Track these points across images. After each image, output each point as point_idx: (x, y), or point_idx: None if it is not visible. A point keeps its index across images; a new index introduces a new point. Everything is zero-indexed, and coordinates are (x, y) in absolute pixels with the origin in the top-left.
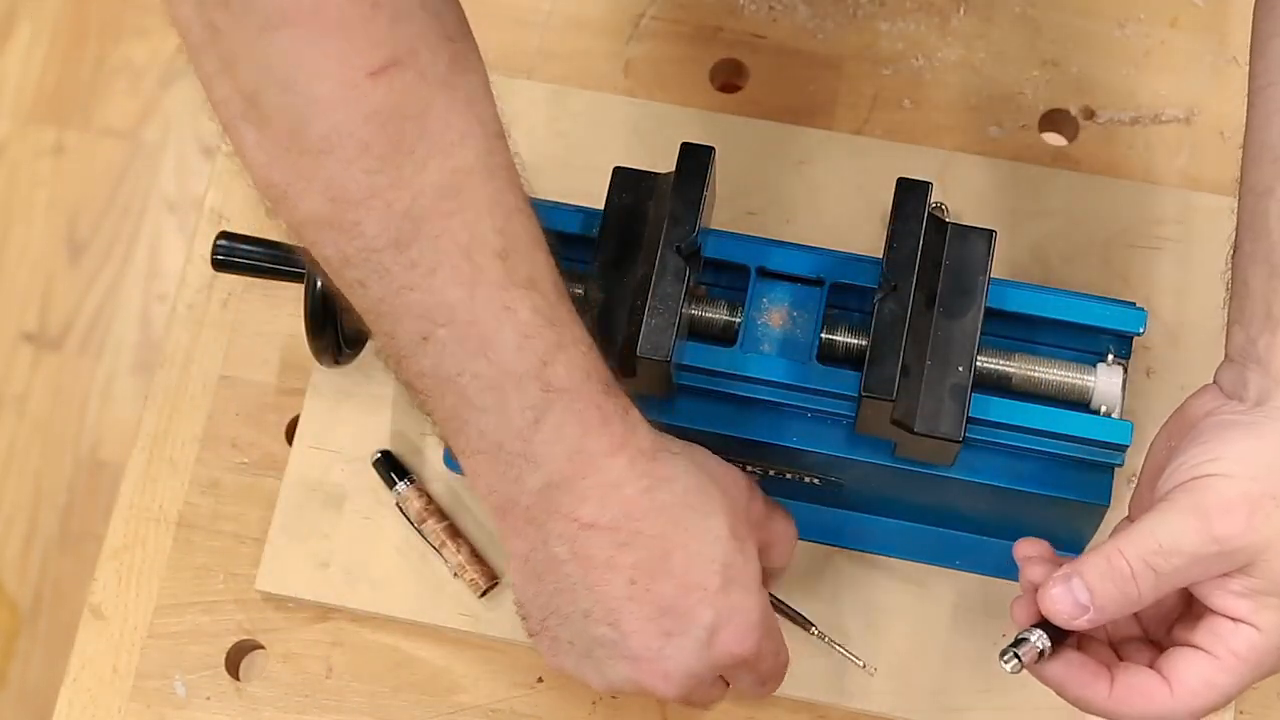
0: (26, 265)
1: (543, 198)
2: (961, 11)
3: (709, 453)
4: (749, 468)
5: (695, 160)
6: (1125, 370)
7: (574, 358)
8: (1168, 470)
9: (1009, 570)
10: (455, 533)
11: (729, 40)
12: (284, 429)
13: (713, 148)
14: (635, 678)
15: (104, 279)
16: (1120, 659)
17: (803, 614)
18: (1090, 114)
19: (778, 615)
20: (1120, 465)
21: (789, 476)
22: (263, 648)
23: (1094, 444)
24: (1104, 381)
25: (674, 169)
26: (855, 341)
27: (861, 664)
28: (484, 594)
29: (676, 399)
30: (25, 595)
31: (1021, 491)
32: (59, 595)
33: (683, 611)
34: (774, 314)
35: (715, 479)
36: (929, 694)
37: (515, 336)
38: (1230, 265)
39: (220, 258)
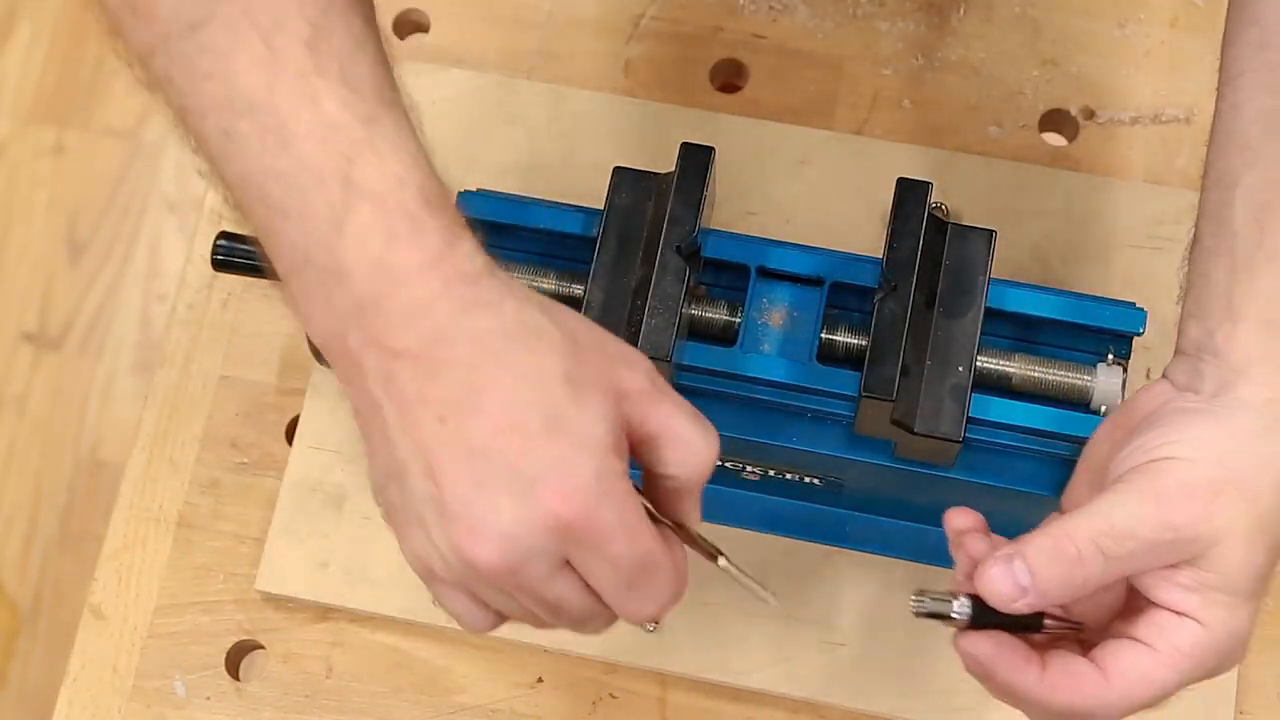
0: (26, 265)
1: (543, 198)
2: (961, 11)
3: (581, 317)
4: (749, 468)
5: (695, 160)
6: (1125, 370)
7: (387, 161)
8: (1122, 454)
9: None
10: None
11: (729, 40)
12: (284, 429)
13: (713, 148)
14: (454, 542)
15: (104, 279)
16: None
17: (710, 542)
18: (1090, 114)
19: (685, 546)
20: None
21: (789, 476)
22: (263, 648)
23: None
24: (1104, 381)
25: (674, 169)
26: (855, 341)
27: (768, 597)
28: None
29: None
30: (25, 595)
31: (1021, 491)
32: (59, 595)
33: (496, 455)
34: (774, 314)
35: (561, 324)
36: (930, 694)
37: (318, 129)
38: (1187, 259)
39: (220, 258)
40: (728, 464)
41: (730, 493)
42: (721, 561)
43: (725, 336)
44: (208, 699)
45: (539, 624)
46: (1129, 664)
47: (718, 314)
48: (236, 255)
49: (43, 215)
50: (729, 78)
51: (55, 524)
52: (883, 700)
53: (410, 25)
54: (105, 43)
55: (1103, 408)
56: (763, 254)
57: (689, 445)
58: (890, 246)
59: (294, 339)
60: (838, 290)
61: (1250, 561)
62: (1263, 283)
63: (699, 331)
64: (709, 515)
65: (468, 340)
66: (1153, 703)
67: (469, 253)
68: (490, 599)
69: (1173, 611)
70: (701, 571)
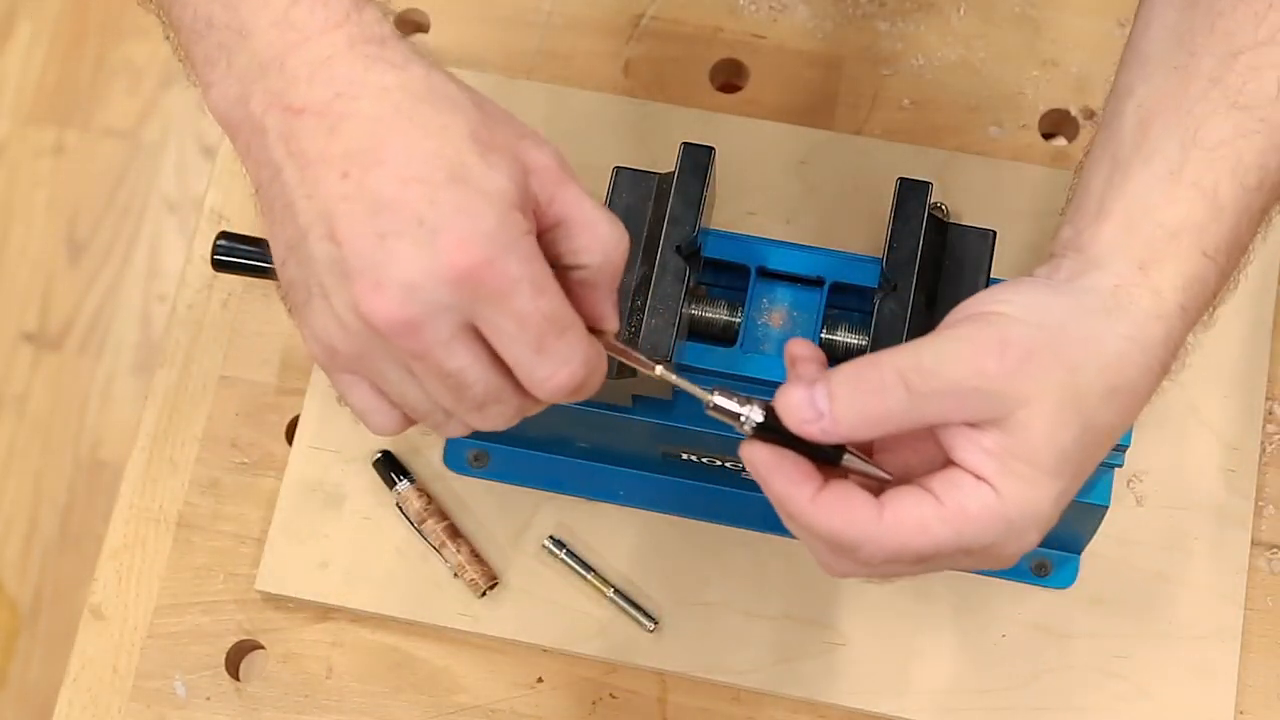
0: (26, 265)
1: None
2: (961, 11)
3: (490, 99)
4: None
5: (695, 160)
6: None
7: None
8: (957, 308)
9: (1008, 570)
10: (455, 533)
11: (729, 40)
12: (284, 429)
13: (713, 148)
14: (354, 300)
15: (104, 279)
16: None
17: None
18: (1090, 114)
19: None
20: (1120, 465)
21: None
22: (263, 648)
23: None
24: None
25: (674, 169)
26: (855, 341)
27: (708, 397)
28: (484, 594)
29: (677, 399)
30: (25, 595)
31: None
32: (59, 595)
33: (398, 205)
34: (774, 314)
35: (469, 92)
36: (929, 694)
37: None
38: (1076, 170)
39: (220, 258)
40: (728, 464)
41: (730, 493)
42: (659, 369)
43: (725, 336)
44: (208, 699)
45: (442, 423)
46: (909, 509)
47: (718, 314)
48: (236, 255)
49: (43, 215)
50: (729, 78)
51: (55, 524)
52: (883, 700)
53: (410, 25)
54: (104, 44)
55: None
56: (763, 254)
57: (596, 230)
58: (890, 246)
59: (294, 339)
60: (838, 290)
61: (1056, 434)
62: (1133, 183)
63: (699, 331)
64: (709, 515)
65: (371, 95)
66: (924, 558)
67: (375, 15)
68: (393, 385)
69: (971, 474)
70: (701, 571)
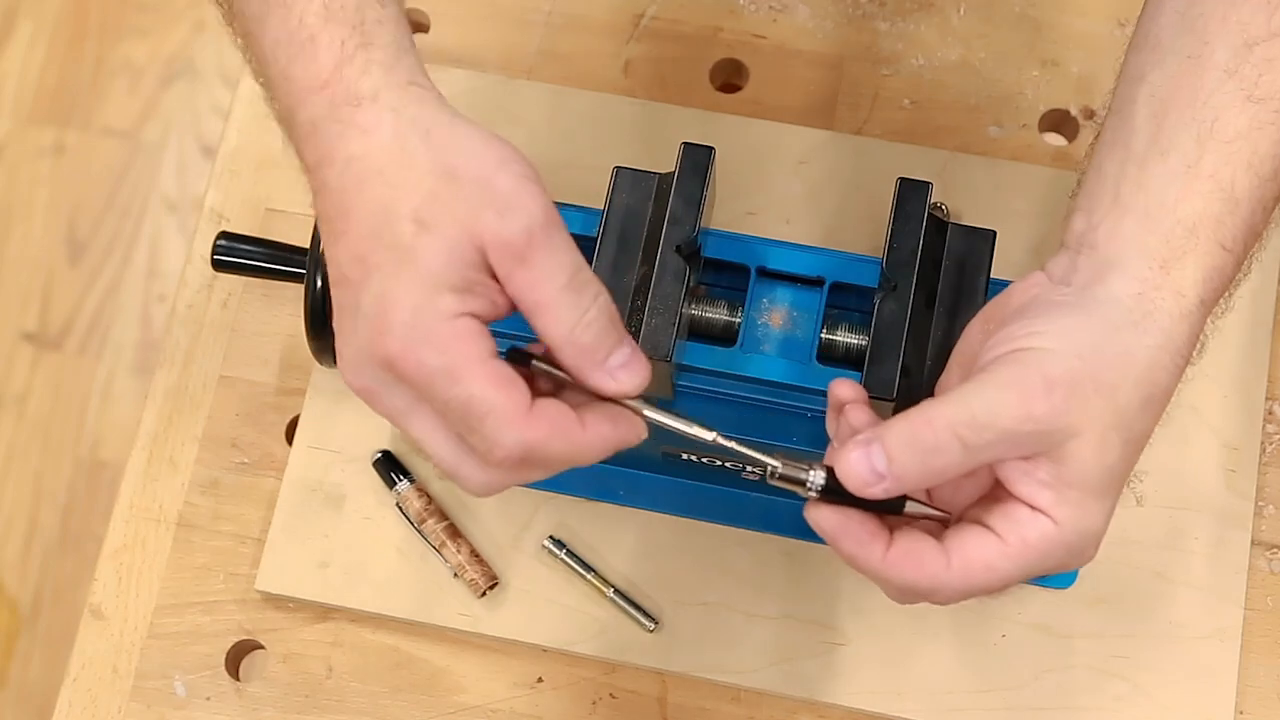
0: (26, 265)
1: None
2: (961, 11)
3: (488, 150)
4: (749, 468)
5: (695, 160)
6: None
7: None
8: (990, 343)
9: None
10: (455, 533)
11: (729, 40)
12: (284, 429)
13: (713, 148)
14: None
15: (104, 279)
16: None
17: (639, 399)
18: (1090, 114)
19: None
20: None
21: None
22: (263, 648)
23: None
24: None
25: (674, 169)
26: (855, 341)
27: (701, 432)
28: (484, 594)
29: (677, 399)
30: (25, 595)
31: None
32: (59, 595)
33: (347, 283)
34: (774, 314)
35: (439, 153)
36: (929, 694)
37: None
38: (1087, 155)
39: (220, 258)
40: (728, 464)
41: (730, 493)
42: (647, 411)
43: (725, 336)
44: (208, 699)
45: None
46: (974, 551)
47: (718, 314)
48: (236, 255)
49: (43, 215)
50: (729, 78)
51: (55, 524)
52: (883, 700)
53: (410, 25)
54: (104, 44)
55: None
56: (763, 254)
57: (553, 313)
58: (890, 246)
59: (294, 339)
60: (838, 290)
61: (1104, 458)
62: (1151, 176)
63: (699, 331)
64: (709, 515)
65: (339, 165)
66: (989, 591)
67: (360, 69)
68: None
69: (1028, 505)
70: (701, 571)
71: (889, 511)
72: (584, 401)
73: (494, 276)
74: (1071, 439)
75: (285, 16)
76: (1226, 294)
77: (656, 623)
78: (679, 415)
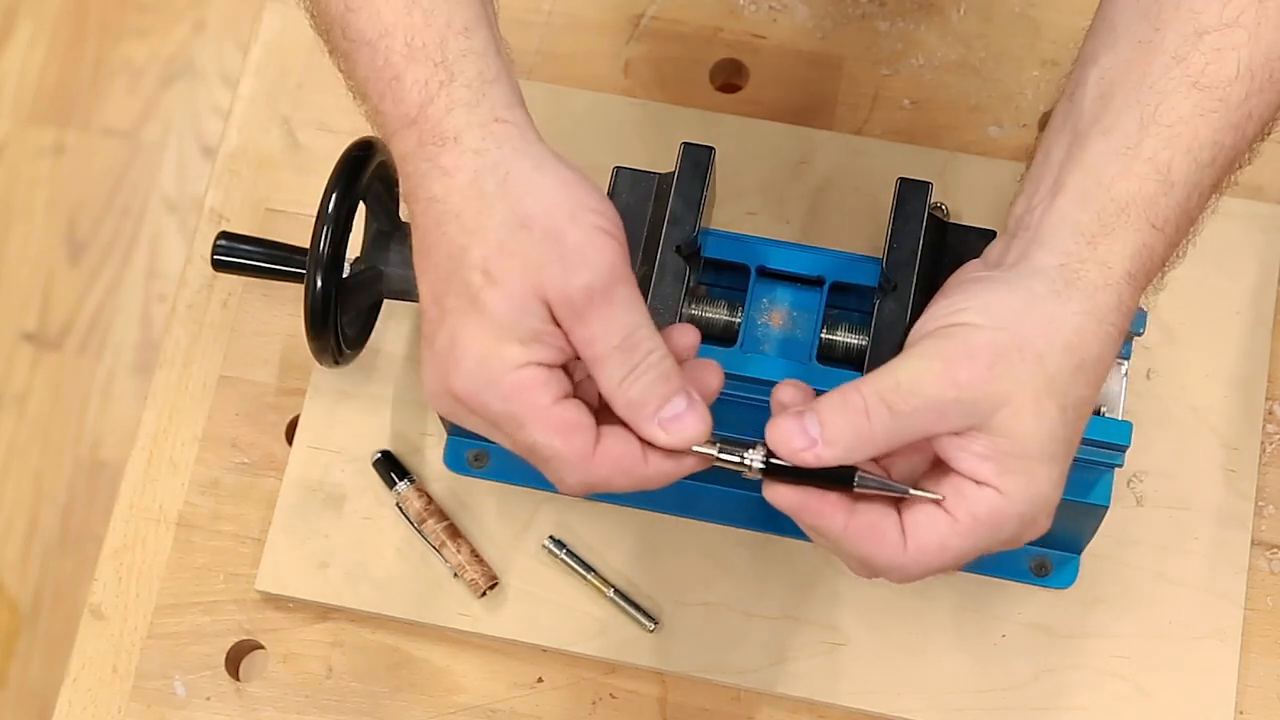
0: (26, 265)
1: None
2: (961, 11)
3: (564, 196)
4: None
5: (695, 160)
6: (1125, 370)
7: (379, 10)
8: (916, 326)
9: (1008, 570)
10: (455, 533)
11: (729, 40)
12: (284, 429)
13: (713, 148)
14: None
15: (104, 279)
16: None
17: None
18: None
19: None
20: (1120, 465)
21: None
22: (263, 648)
23: (1093, 444)
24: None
25: (674, 169)
26: (855, 341)
27: (751, 459)
28: (484, 594)
29: None
30: (25, 595)
31: None
32: (59, 595)
33: (427, 319)
34: (774, 314)
35: (517, 202)
36: (929, 694)
37: None
38: (1038, 139)
39: (220, 258)
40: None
41: (730, 493)
42: (696, 448)
43: (725, 336)
44: (208, 699)
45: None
46: (929, 532)
47: (718, 314)
48: (236, 255)
49: (43, 215)
50: (729, 78)
51: (55, 524)
52: (883, 700)
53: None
54: (104, 44)
55: (1103, 408)
56: (763, 254)
57: (604, 371)
58: (890, 246)
59: (294, 339)
60: (838, 290)
61: (1040, 423)
62: (1090, 155)
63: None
64: (709, 515)
65: (424, 204)
66: (948, 569)
67: (444, 108)
68: None
69: (970, 480)
70: (701, 571)
71: (841, 485)
72: None
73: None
74: (1002, 408)
75: (371, 55)
76: (1160, 274)
77: (656, 623)
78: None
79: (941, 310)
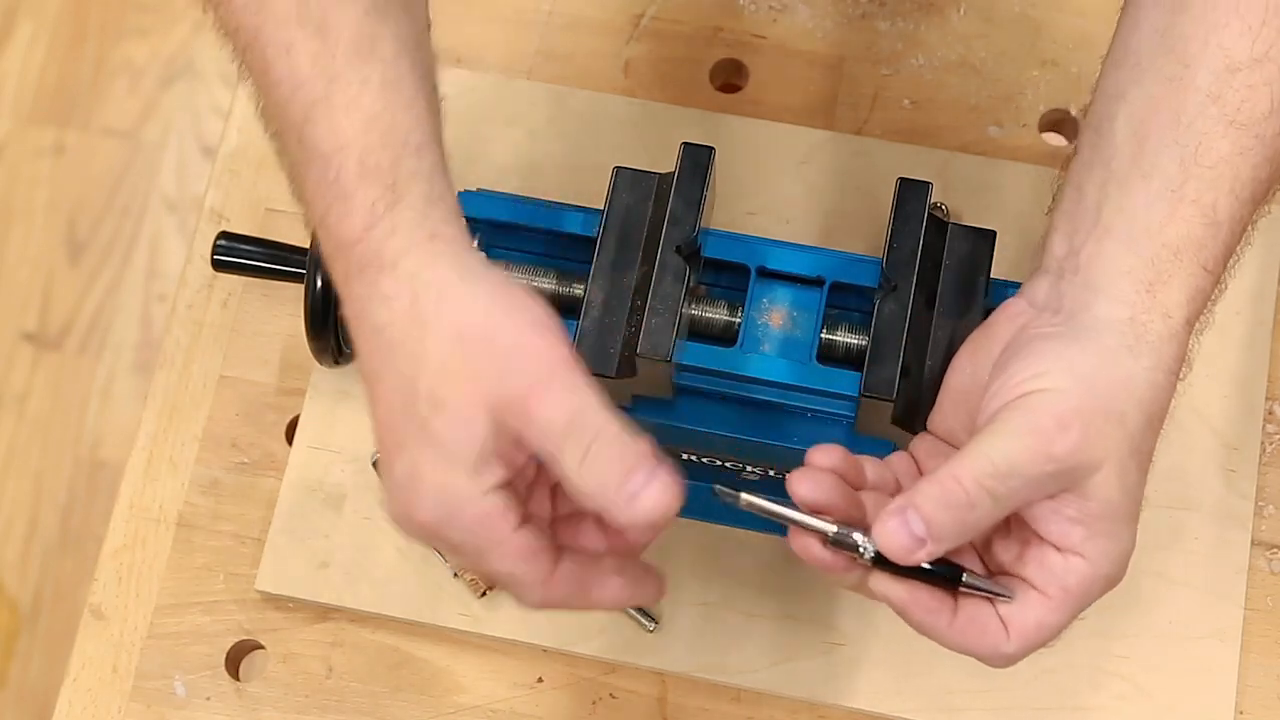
0: (26, 265)
1: (543, 198)
2: (961, 11)
3: (496, 304)
4: (750, 468)
5: (695, 160)
6: None
7: (337, 122)
8: (992, 388)
9: None
10: None
11: (729, 40)
12: (284, 429)
13: (713, 148)
14: None
15: (104, 279)
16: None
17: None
18: None
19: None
20: None
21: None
22: (263, 648)
23: None
24: None
25: (674, 169)
26: (855, 341)
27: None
28: (484, 594)
29: (677, 399)
30: (25, 595)
31: None
32: (59, 595)
33: (384, 447)
34: (774, 314)
35: (447, 321)
36: (929, 694)
37: (288, 81)
38: (1063, 171)
39: (220, 258)
40: (728, 464)
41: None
42: (745, 496)
43: (725, 336)
44: (208, 699)
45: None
46: (1024, 615)
47: (718, 314)
48: (236, 255)
49: (43, 215)
50: (729, 78)
51: (55, 524)
52: (883, 700)
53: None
54: (104, 44)
55: None
56: (763, 254)
57: (556, 466)
58: (890, 246)
59: (294, 339)
60: (838, 290)
61: (1126, 484)
62: (1134, 199)
63: (699, 331)
64: (709, 515)
65: (367, 331)
66: (1047, 643)
67: (388, 231)
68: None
69: (1057, 548)
70: (701, 571)
71: (947, 583)
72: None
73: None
74: (1094, 473)
75: (324, 169)
76: (1206, 311)
77: (656, 622)
78: (775, 500)
79: (1018, 374)
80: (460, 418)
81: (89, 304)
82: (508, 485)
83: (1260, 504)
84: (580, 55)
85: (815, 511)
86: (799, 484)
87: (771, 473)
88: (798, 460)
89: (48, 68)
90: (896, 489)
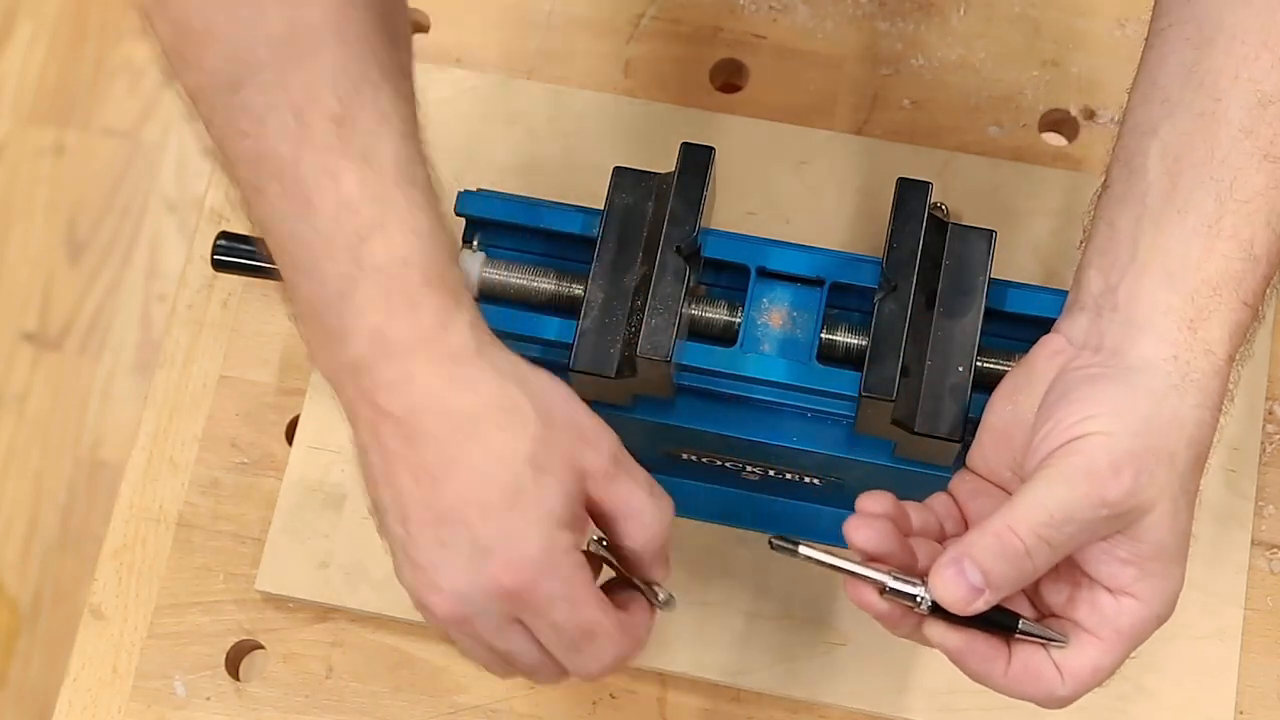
0: (26, 265)
1: (543, 198)
2: (961, 11)
3: (561, 390)
4: (749, 468)
5: (695, 160)
6: None
7: (395, 240)
8: (1040, 433)
9: None
10: None
11: (729, 40)
12: (284, 429)
13: (713, 148)
14: (415, 587)
15: (104, 279)
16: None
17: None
18: (1090, 114)
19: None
20: None
21: (789, 476)
22: (263, 648)
23: None
24: None
25: (674, 169)
26: (855, 341)
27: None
28: None
29: (677, 399)
30: (25, 595)
31: None
32: (59, 595)
33: (458, 522)
34: (774, 314)
35: (538, 403)
36: (929, 694)
37: (335, 205)
38: (1093, 207)
39: (220, 258)
40: (728, 464)
41: (730, 493)
42: (803, 549)
43: (725, 336)
44: (208, 699)
45: (497, 671)
46: (1079, 659)
47: (718, 314)
48: (236, 255)
49: (43, 215)
50: (729, 78)
51: (55, 524)
52: (883, 700)
53: (410, 25)
54: (104, 44)
55: None
56: (763, 254)
57: (640, 520)
58: (890, 246)
59: (294, 339)
60: (838, 290)
61: (1177, 524)
62: (1170, 236)
63: (699, 331)
64: (709, 515)
65: (445, 415)
66: (1100, 684)
67: (461, 330)
68: (454, 638)
69: (1108, 589)
70: (701, 571)
71: (1002, 630)
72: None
73: (586, 502)
74: (1146, 515)
75: (387, 281)
76: (1246, 345)
77: (672, 597)
78: (830, 549)
79: (1068, 418)
80: (559, 481)
81: (89, 304)
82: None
83: (1260, 504)
84: (580, 55)
85: (871, 559)
86: (856, 533)
87: (771, 473)
88: (798, 460)
89: (48, 68)
90: (941, 533)
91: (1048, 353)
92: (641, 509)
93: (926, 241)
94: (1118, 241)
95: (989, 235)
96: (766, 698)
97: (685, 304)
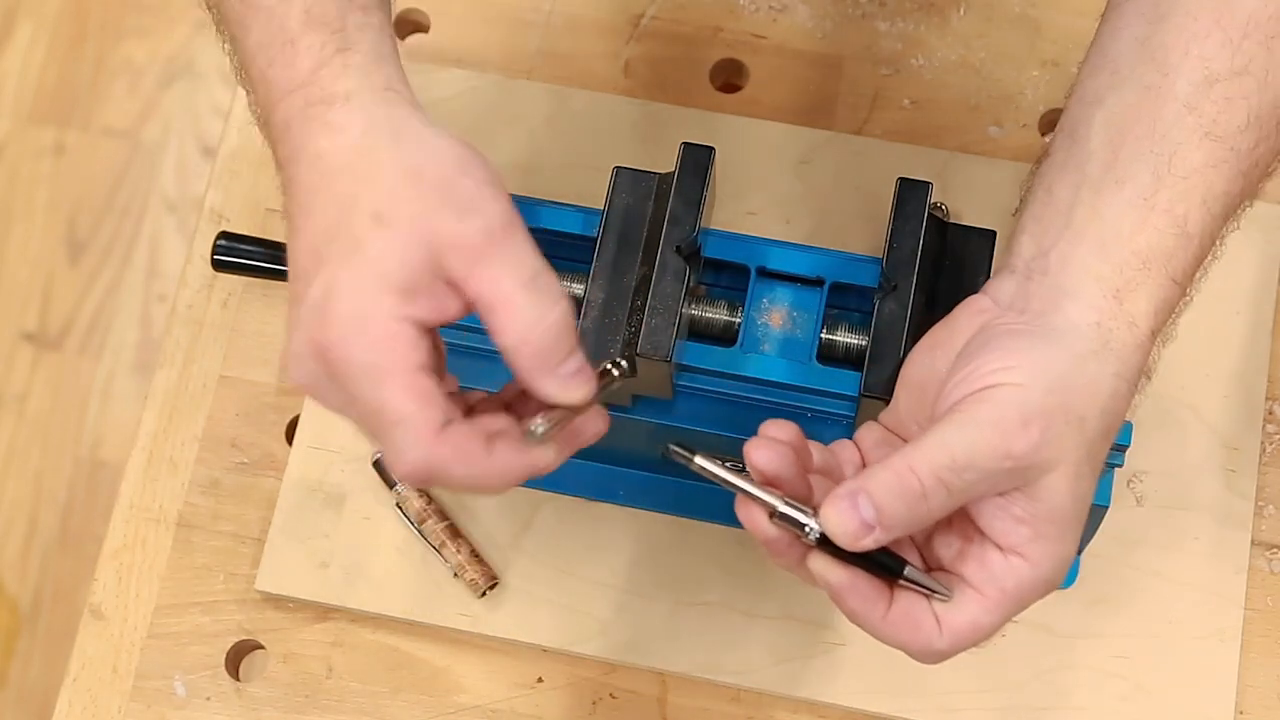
0: (26, 265)
1: (543, 198)
2: (961, 11)
3: (456, 153)
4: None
5: (695, 160)
6: None
7: None
8: (954, 379)
9: None
10: (455, 533)
11: (729, 40)
12: (284, 429)
13: (713, 148)
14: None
15: (104, 279)
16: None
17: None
18: None
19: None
20: (1120, 465)
21: None
22: (263, 648)
23: None
24: None
25: (674, 169)
26: (855, 341)
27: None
28: (484, 594)
29: (677, 399)
30: (25, 595)
31: None
32: (59, 595)
33: (301, 275)
34: (774, 314)
35: (407, 155)
36: (929, 694)
37: None
38: (1033, 173)
39: (220, 258)
40: (727, 463)
41: (730, 493)
42: (697, 459)
43: (725, 336)
44: (208, 699)
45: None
46: (959, 613)
47: (718, 314)
48: (236, 255)
49: (43, 215)
50: (729, 78)
51: (55, 524)
52: (883, 700)
53: (410, 25)
54: (104, 44)
55: None
56: (763, 254)
57: (510, 311)
58: (890, 246)
59: None
60: (838, 290)
61: (1077, 489)
62: (1107, 206)
63: (699, 331)
64: (709, 515)
65: (306, 161)
66: (981, 641)
67: (336, 72)
68: None
69: (999, 548)
70: (701, 571)
71: (887, 574)
72: (502, 430)
73: (448, 281)
74: (1048, 474)
75: (267, 20)
76: (1170, 323)
77: (632, 369)
78: (727, 466)
79: (986, 365)
80: (400, 238)
81: (89, 304)
82: (427, 332)
83: (1260, 504)
84: (580, 55)
85: (766, 483)
86: (756, 452)
87: None
88: None
89: (48, 68)
90: (840, 477)
91: (971, 311)
92: (510, 298)
93: (926, 241)
94: (1054, 208)
95: (989, 235)
96: (766, 698)
97: (685, 304)
